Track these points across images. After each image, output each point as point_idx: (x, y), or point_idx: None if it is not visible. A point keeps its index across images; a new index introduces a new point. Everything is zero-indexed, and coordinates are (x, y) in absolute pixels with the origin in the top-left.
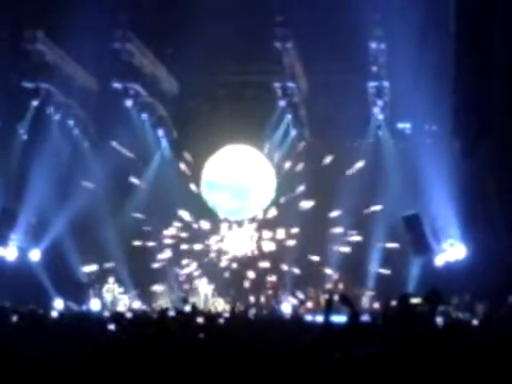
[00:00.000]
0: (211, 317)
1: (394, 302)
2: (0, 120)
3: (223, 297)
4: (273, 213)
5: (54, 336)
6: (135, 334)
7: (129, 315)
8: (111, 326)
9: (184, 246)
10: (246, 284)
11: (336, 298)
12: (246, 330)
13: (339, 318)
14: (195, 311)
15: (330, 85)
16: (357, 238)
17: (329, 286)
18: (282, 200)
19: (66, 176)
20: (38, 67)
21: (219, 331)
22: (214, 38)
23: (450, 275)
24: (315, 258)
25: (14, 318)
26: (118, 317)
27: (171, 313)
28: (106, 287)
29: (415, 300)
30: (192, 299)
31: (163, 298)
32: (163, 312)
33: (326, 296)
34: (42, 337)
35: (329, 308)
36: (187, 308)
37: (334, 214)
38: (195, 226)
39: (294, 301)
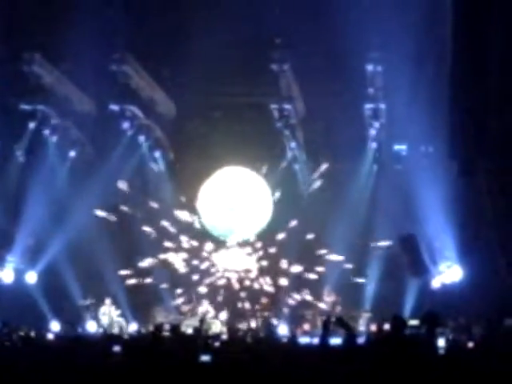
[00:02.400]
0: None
1: (387, 324)
2: None
3: (219, 319)
4: (270, 235)
5: (49, 358)
6: (132, 355)
7: (126, 337)
8: (115, 348)
9: (182, 268)
10: (242, 306)
11: (333, 320)
12: (244, 353)
13: (336, 341)
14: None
15: (327, 107)
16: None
17: (325, 307)
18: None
19: (62, 198)
20: (34, 89)
21: (219, 354)
22: (211, 60)
23: (446, 297)
24: (313, 276)
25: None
26: (114, 339)
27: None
28: (102, 309)
29: (413, 322)
30: (189, 321)
31: (160, 320)
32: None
33: (323, 318)
34: (38, 358)
35: (326, 330)
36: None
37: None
38: (192, 248)
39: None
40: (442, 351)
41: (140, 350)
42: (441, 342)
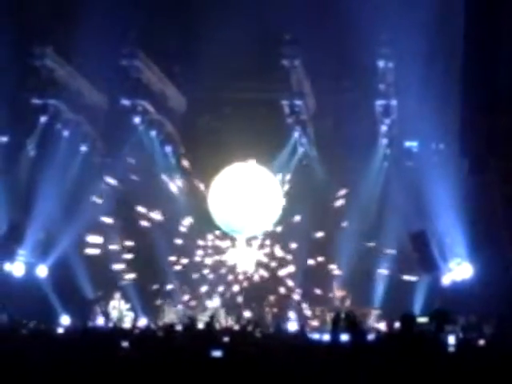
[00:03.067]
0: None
1: (397, 323)
2: (9, 136)
3: (229, 314)
4: (280, 230)
5: (60, 351)
6: (144, 351)
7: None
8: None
9: (191, 262)
10: (253, 301)
11: (342, 316)
12: (254, 348)
13: (347, 337)
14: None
15: (338, 103)
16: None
17: (335, 304)
18: (289, 219)
19: (73, 192)
20: (46, 83)
21: (229, 349)
22: (222, 55)
23: (456, 294)
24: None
25: (23, 332)
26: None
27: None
28: (112, 304)
29: (422, 319)
30: (199, 316)
31: (169, 314)
32: (171, 327)
33: (332, 314)
34: (50, 351)
35: (336, 327)
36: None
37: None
38: (202, 242)
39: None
40: (452, 349)
41: (151, 345)
42: (451, 340)
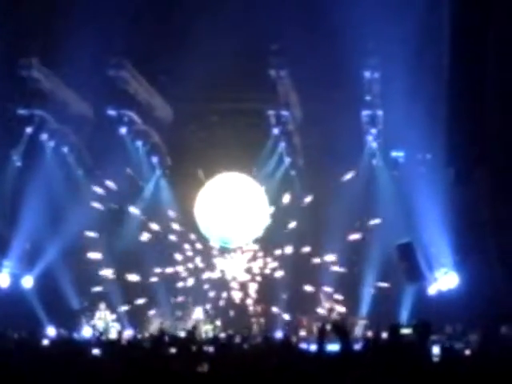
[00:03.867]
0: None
1: (384, 333)
2: None
3: (214, 324)
4: (265, 241)
5: (45, 364)
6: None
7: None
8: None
9: (177, 272)
10: (238, 311)
11: (328, 327)
12: (241, 358)
13: (333, 347)
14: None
15: (324, 113)
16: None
17: (322, 314)
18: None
19: (59, 203)
20: (32, 94)
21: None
22: (209, 65)
23: (442, 304)
24: (308, 287)
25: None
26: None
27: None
28: (98, 314)
29: (405, 330)
30: (183, 326)
31: (155, 324)
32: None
33: (319, 324)
34: (35, 363)
35: (322, 337)
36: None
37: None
38: (188, 253)
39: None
40: (436, 359)
41: (136, 357)
42: (435, 350)
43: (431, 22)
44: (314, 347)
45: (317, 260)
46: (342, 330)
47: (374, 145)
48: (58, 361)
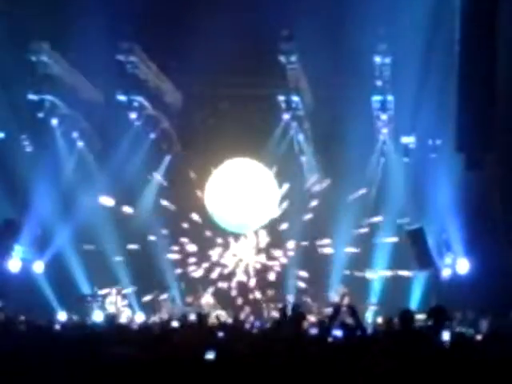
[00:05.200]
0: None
1: (396, 319)
2: (4, 131)
3: (225, 309)
4: (277, 226)
5: (58, 349)
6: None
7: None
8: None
9: (187, 258)
10: (249, 297)
11: (344, 309)
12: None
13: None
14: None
15: (334, 99)
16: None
17: (334, 299)
18: (286, 214)
19: (70, 188)
20: (42, 79)
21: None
22: (219, 51)
23: (453, 290)
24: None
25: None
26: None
27: (175, 324)
28: (108, 299)
29: (420, 316)
30: (193, 311)
31: (166, 310)
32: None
33: (331, 308)
34: (48, 347)
35: (334, 319)
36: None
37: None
38: (198, 238)
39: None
40: (446, 345)
41: (148, 343)
42: (445, 336)
43: (442, 7)
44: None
45: (328, 250)
46: (356, 313)
47: (385, 130)
48: (72, 346)
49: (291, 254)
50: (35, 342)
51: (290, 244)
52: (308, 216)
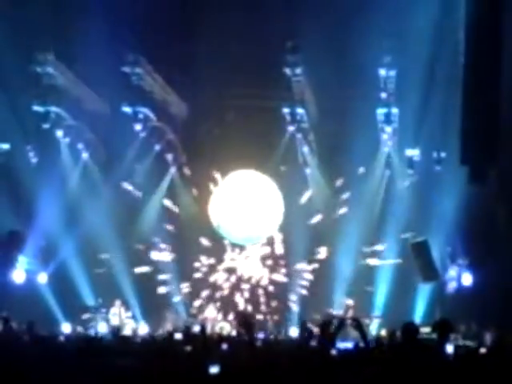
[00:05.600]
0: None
1: (398, 332)
2: (10, 143)
3: (229, 321)
4: (281, 238)
5: (61, 360)
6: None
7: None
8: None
9: (191, 270)
10: (253, 308)
11: (349, 322)
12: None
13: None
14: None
15: (339, 111)
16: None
17: (338, 312)
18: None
19: (74, 199)
20: (48, 90)
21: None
22: (224, 62)
23: (457, 302)
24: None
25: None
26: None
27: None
28: (112, 311)
29: (425, 329)
30: (197, 323)
31: (170, 322)
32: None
33: (336, 320)
34: (52, 359)
35: (338, 331)
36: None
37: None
38: (202, 250)
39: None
40: (450, 357)
41: (152, 355)
42: (449, 349)
43: (447, 19)
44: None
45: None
46: (361, 326)
47: (390, 143)
48: (75, 358)
49: (295, 266)
50: (39, 353)
51: (293, 259)
52: (311, 227)
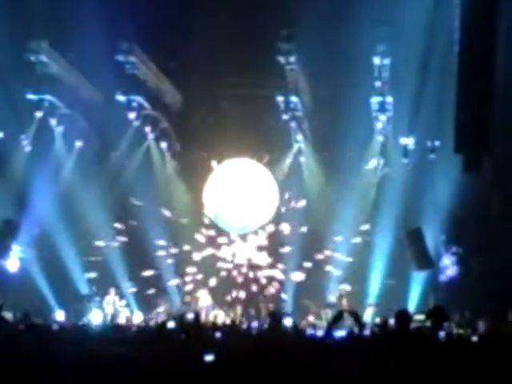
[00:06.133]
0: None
1: (392, 320)
2: (3, 131)
3: (223, 309)
4: (275, 226)
5: (55, 349)
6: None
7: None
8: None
9: (185, 258)
10: (247, 296)
11: (346, 314)
12: (247, 344)
13: (341, 333)
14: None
15: (333, 99)
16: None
17: (332, 300)
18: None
19: (68, 188)
20: (41, 79)
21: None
22: (218, 51)
23: (450, 291)
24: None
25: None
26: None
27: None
28: (106, 299)
29: (419, 317)
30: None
31: (163, 310)
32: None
33: (329, 310)
34: (46, 347)
35: (335, 322)
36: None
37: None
38: (197, 238)
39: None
40: (443, 345)
41: (146, 343)
42: (442, 336)
43: (442, 8)
44: (321, 333)
45: (327, 252)
46: (359, 318)
47: (384, 131)
48: (69, 346)
49: (289, 254)
50: (33, 341)
51: (288, 247)
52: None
